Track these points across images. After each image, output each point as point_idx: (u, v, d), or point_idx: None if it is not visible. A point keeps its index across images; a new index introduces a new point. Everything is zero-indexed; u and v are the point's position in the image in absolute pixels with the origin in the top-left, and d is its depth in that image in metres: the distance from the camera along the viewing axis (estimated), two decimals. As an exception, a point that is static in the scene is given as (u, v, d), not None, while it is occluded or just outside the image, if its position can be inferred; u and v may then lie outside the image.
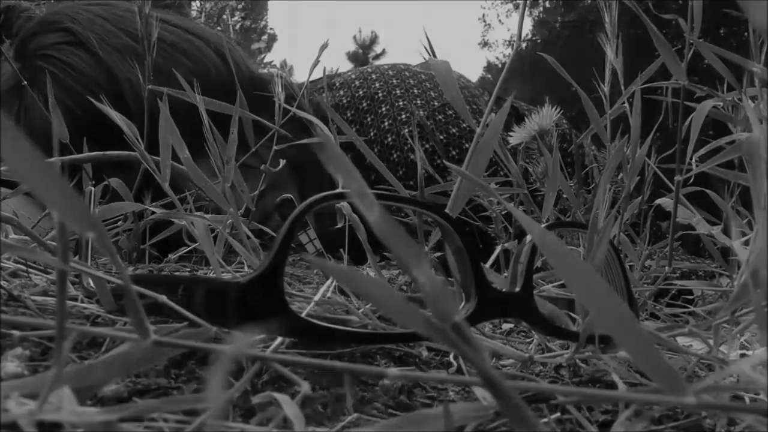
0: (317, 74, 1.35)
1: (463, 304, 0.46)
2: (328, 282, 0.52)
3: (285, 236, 0.44)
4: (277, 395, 0.33)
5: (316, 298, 0.50)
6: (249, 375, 0.36)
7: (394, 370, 0.30)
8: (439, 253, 0.73)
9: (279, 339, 0.43)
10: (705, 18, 0.84)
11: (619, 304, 0.32)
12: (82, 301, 0.49)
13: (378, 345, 0.46)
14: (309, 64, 1.19)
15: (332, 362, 0.35)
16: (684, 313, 0.74)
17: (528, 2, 0.98)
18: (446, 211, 0.51)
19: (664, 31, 0.88)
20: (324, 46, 1.19)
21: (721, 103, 0.87)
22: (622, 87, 0.93)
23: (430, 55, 0.85)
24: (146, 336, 0.33)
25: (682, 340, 0.54)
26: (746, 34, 0.91)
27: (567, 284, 0.47)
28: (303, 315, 0.44)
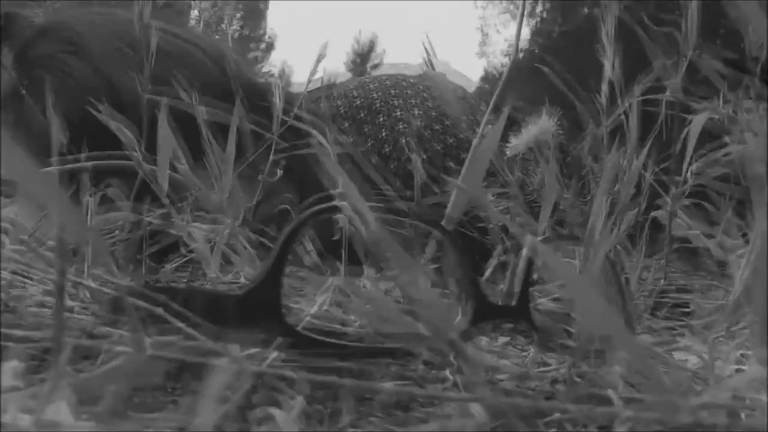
0: (315, 83, 1.36)
1: (459, 317, 0.46)
2: (325, 295, 0.52)
3: (282, 248, 0.44)
4: (273, 410, 0.33)
5: (312, 310, 0.50)
6: (244, 390, 0.36)
7: (389, 385, 0.30)
8: (435, 265, 0.73)
9: (275, 352, 0.43)
10: (702, 25, 0.84)
11: (615, 318, 0.32)
12: (78, 313, 0.49)
13: (374, 359, 0.46)
14: (307, 71, 1.20)
15: (328, 377, 0.35)
16: (680, 326, 0.74)
17: (525, 12, 0.98)
18: (442, 223, 0.51)
19: (664, 33, 0.89)
20: (322, 55, 1.19)
21: (717, 116, 0.88)
22: (619, 98, 0.93)
23: (428, 66, 0.86)
24: (142, 350, 0.33)
25: (678, 355, 0.54)
26: (742, 45, 0.92)
27: (563, 298, 0.48)
28: (299, 328, 0.44)
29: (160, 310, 0.41)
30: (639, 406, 0.34)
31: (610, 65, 0.92)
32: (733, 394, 0.41)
